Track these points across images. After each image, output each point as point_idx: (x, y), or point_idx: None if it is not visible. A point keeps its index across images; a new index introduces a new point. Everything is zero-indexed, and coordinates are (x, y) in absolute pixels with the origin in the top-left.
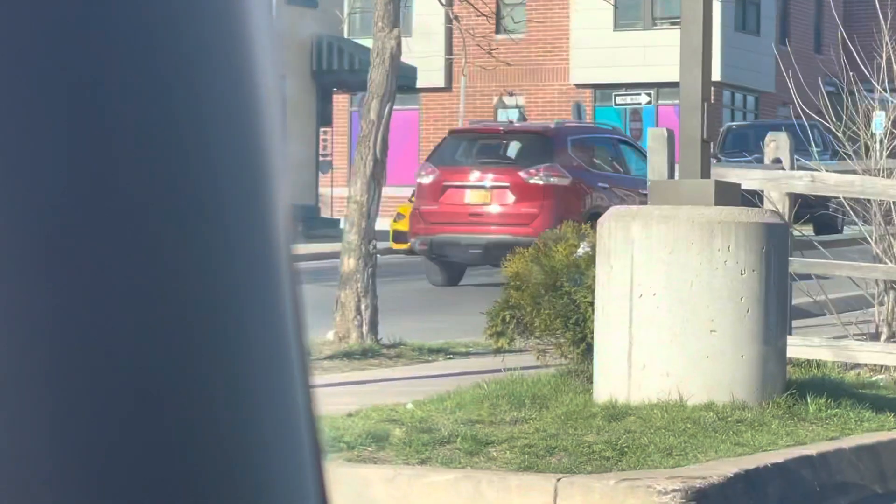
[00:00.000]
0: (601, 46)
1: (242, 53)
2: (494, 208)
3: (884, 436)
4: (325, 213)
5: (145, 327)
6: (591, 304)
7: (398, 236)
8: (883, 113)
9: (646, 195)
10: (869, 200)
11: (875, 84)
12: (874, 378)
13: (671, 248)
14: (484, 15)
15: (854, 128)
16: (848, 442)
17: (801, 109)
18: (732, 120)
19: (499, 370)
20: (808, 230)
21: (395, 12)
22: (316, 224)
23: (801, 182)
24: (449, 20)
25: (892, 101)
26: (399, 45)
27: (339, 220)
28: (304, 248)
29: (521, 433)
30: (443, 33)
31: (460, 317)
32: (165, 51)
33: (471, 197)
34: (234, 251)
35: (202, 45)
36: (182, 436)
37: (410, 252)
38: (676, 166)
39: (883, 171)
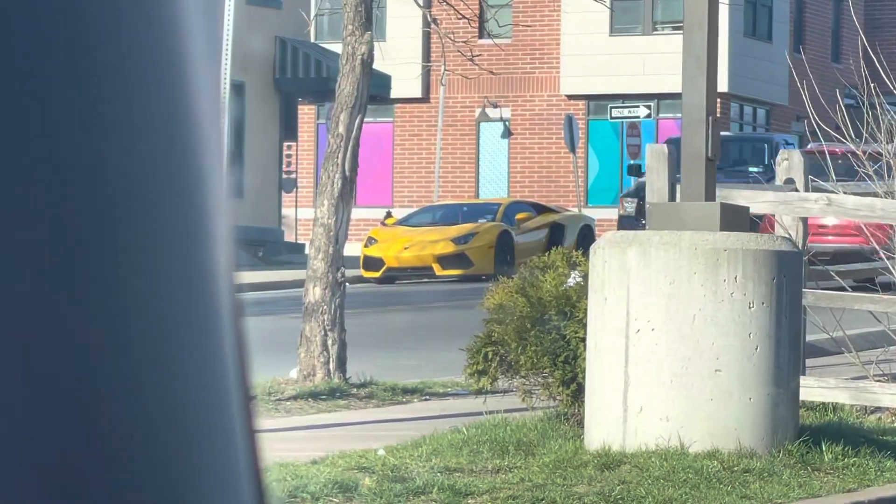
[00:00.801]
0: (596, 53)
1: (173, 66)
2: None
3: None
4: (288, 237)
5: (57, 358)
6: (583, 339)
7: (369, 263)
8: None
9: None
10: (892, 226)
11: None
12: None
13: (672, 277)
14: (465, 18)
15: (875, 145)
16: (867, 494)
17: (817, 124)
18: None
19: (480, 413)
20: None
21: (367, 14)
22: (278, 249)
23: (817, 205)
24: (427, 23)
25: None
26: (371, 50)
27: (303, 245)
28: (264, 276)
29: (505, 483)
30: (420, 38)
31: (437, 353)
32: (85, 66)
33: None
34: (164, 280)
35: (126, 58)
36: (101, 477)
37: (382, 280)
38: (678, 187)
39: None
